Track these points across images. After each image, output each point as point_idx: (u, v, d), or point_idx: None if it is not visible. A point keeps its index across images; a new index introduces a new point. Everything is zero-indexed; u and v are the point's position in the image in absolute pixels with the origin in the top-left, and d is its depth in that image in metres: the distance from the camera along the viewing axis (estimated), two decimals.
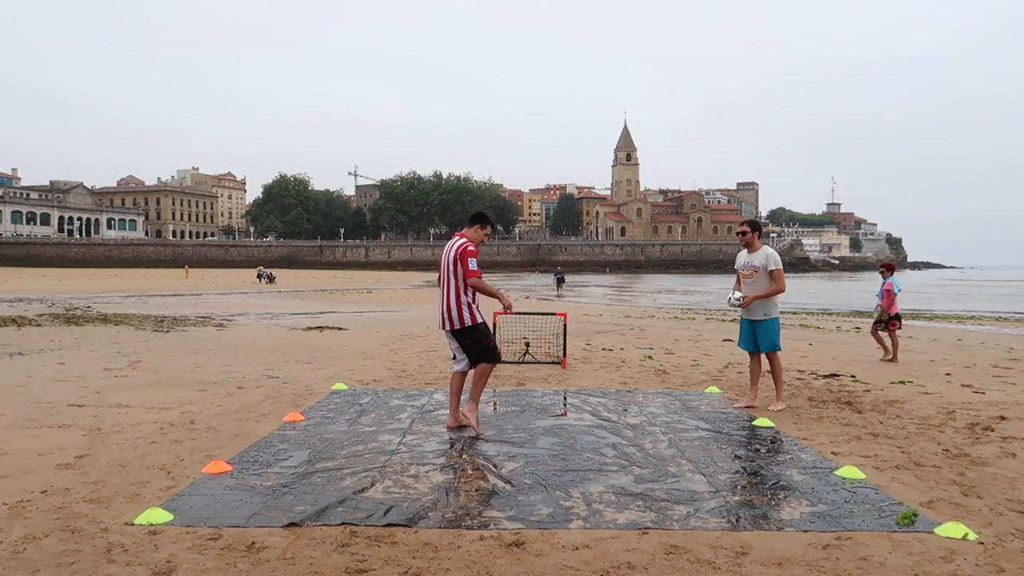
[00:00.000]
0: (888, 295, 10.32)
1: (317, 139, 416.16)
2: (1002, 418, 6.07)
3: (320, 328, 14.43)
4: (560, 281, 43.44)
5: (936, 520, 3.60)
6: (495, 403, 6.67)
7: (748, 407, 6.49)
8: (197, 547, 3.21)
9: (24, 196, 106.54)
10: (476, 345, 5.43)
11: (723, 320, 19.05)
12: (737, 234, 6.81)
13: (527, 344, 9.66)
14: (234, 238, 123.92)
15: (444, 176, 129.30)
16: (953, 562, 3.12)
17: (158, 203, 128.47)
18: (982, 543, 3.33)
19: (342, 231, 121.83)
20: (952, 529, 3.44)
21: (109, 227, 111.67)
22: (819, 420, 6.03)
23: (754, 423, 5.87)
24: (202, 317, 17.39)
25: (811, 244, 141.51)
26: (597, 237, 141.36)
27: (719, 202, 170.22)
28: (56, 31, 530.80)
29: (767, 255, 6.44)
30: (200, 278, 52.90)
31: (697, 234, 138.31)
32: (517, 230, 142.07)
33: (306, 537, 3.35)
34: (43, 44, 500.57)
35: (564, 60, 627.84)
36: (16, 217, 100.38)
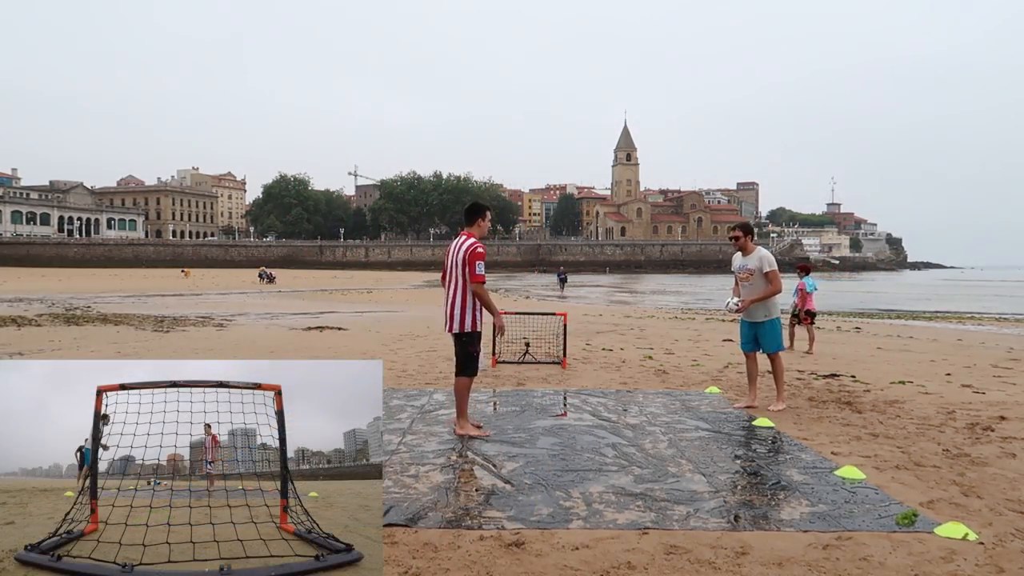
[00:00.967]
0: (801, 293, 11.56)
1: (317, 139, 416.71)
2: (1002, 418, 6.07)
3: (320, 328, 14.43)
4: (563, 281, 43.48)
5: (936, 520, 3.60)
6: (495, 403, 6.67)
7: (748, 407, 6.50)
8: None
9: (24, 196, 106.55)
10: (463, 351, 5.36)
11: (723, 320, 19.04)
12: (729, 239, 6.81)
13: (527, 344, 9.66)
14: (234, 238, 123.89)
15: (444, 176, 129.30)
16: (953, 562, 3.12)
17: (158, 203, 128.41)
18: (982, 543, 3.33)
19: (342, 231, 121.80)
20: (952, 529, 3.44)
21: (109, 227, 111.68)
22: (819, 420, 6.03)
23: (754, 423, 5.87)
24: (202, 317, 17.40)
25: (811, 244, 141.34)
26: (597, 237, 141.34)
27: (719, 202, 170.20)
28: (56, 31, 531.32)
29: (761, 257, 6.45)
30: (200, 278, 52.90)
31: (697, 234, 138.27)
32: (517, 230, 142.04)
33: None
34: (43, 44, 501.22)
35: (564, 60, 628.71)
36: (16, 217, 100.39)
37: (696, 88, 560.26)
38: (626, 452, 4.94)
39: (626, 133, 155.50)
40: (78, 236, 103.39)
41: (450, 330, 5.38)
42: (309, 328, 14.46)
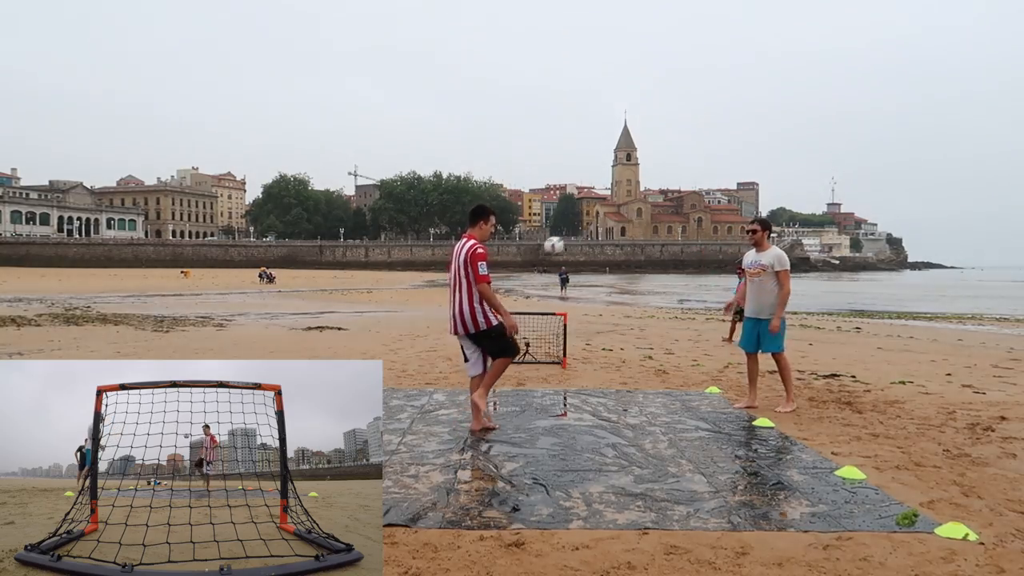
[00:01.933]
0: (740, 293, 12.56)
1: (317, 139, 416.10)
2: (1002, 418, 6.06)
3: (320, 328, 14.43)
4: (564, 282, 43.46)
5: (936, 520, 3.60)
6: (495, 403, 6.67)
7: (748, 407, 6.50)
8: None
9: (24, 196, 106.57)
10: (496, 343, 5.40)
11: (723, 320, 19.01)
12: (747, 232, 6.83)
13: (527, 344, 9.65)
14: (234, 238, 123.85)
15: (444, 176, 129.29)
16: (953, 563, 3.12)
17: (158, 203, 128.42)
18: (982, 543, 3.32)
19: (342, 231, 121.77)
20: (952, 529, 3.44)
21: (109, 227, 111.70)
22: (819, 420, 6.03)
23: (754, 423, 5.87)
24: (202, 317, 17.40)
25: (811, 244, 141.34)
26: (597, 237, 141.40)
27: (719, 202, 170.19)
28: (56, 31, 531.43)
29: (776, 255, 6.44)
30: (200, 278, 52.90)
31: (697, 234, 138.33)
32: (517, 230, 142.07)
33: None
34: (43, 44, 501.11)
35: (564, 59, 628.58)
36: (16, 217, 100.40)
37: (696, 88, 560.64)
38: (626, 452, 4.94)
39: (626, 133, 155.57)
40: (78, 236, 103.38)
41: (466, 332, 5.35)
42: (309, 328, 14.45)
